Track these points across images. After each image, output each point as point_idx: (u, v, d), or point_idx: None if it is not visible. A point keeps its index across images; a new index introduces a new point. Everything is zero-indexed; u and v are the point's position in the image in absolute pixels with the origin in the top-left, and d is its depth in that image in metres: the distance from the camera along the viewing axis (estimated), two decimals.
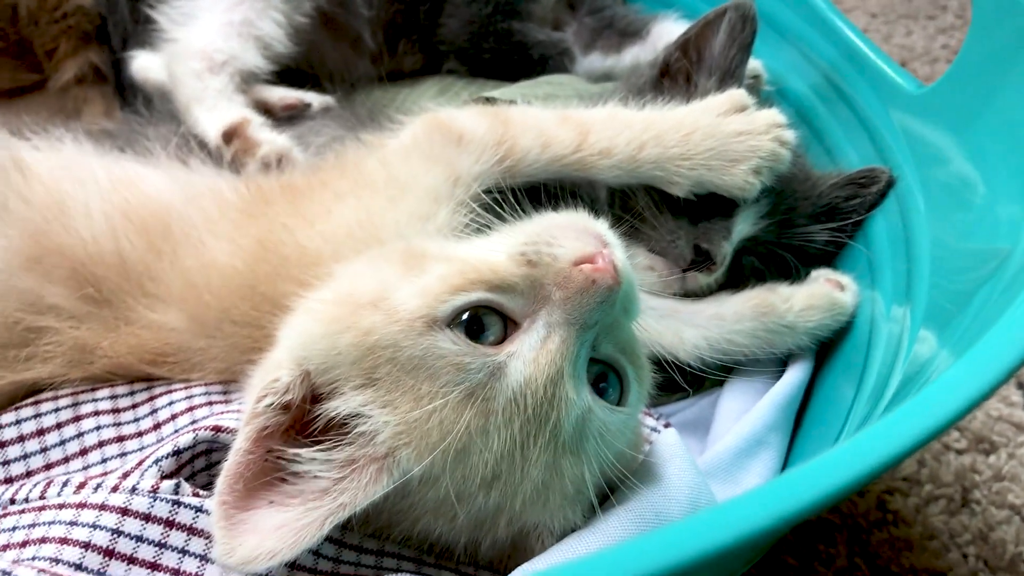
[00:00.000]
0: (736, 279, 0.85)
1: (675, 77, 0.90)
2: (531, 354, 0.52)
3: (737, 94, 0.79)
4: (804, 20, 1.02)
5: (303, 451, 0.51)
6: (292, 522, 0.48)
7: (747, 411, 0.76)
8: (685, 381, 0.82)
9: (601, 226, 0.59)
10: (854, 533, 0.86)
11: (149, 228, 0.67)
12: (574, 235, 0.57)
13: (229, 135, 0.88)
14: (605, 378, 0.57)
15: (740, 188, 0.75)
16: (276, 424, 0.51)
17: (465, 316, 0.53)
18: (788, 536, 0.85)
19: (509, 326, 0.54)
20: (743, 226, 0.82)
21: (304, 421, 0.53)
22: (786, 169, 0.77)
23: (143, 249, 0.66)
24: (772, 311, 0.79)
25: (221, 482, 0.49)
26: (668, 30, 1.11)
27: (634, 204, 0.82)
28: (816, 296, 0.80)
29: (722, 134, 0.76)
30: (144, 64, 1.06)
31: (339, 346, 0.52)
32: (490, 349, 0.52)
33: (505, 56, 1.15)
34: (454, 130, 0.73)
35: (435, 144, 0.73)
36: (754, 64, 0.99)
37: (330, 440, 0.51)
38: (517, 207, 0.64)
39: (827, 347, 0.83)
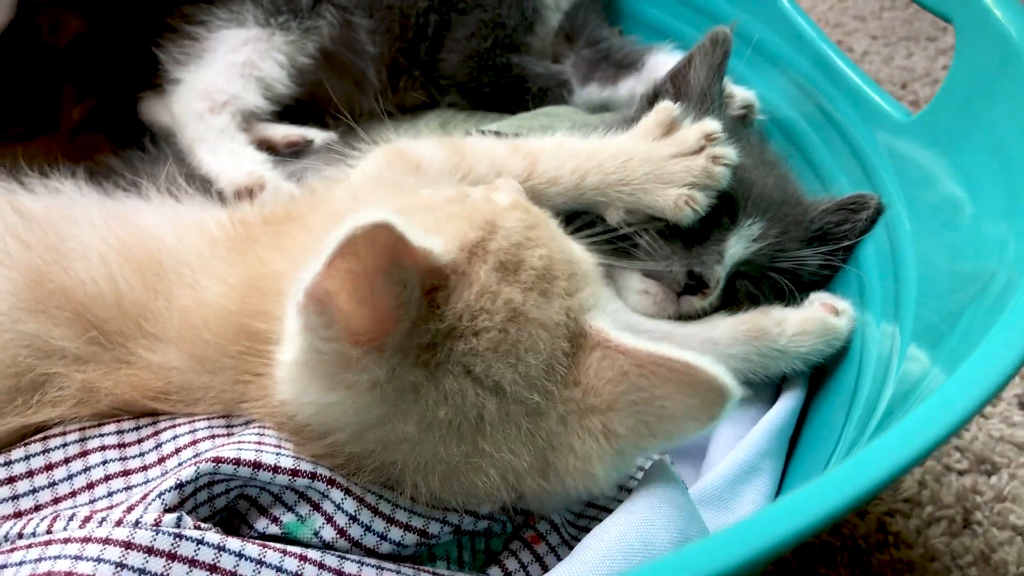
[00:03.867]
0: (730, 303, 0.86)
1: None
2: None
3: (662, 110, 0.83)
4: (796, 50, 1.04)
5: None
6: None
7: (741, 437, 0.77)
8: None
9: None
10: (855, 555, 0.87)
11: (143, 266, 0.68)
12: None
13: (241, 194, 0.91)
14: None
15: (671, 209, 0.79)
16: None
17: None
18: (789, 559, 0.86)
19: None
20: (735, 250, 0.84)
21: None
22: (725, 185, 0.80)
23: (140, 289, 0.67)
24: (765, 335, 0.80)
25: None
26: (662, 61, 1.13)
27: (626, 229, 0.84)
28: (810, 321, 0.81)
29: (657, 158, 0.80)
30: (151, 105, 1.09)
31: None
32: None
33: (504, 89, 1.17)
34: (412, 158, 0.77)
35: (396, 172, 0.76)
36: (747, 94, 1.01)
37: None
38: None
39: (820, 372, 0.84)
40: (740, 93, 1.01)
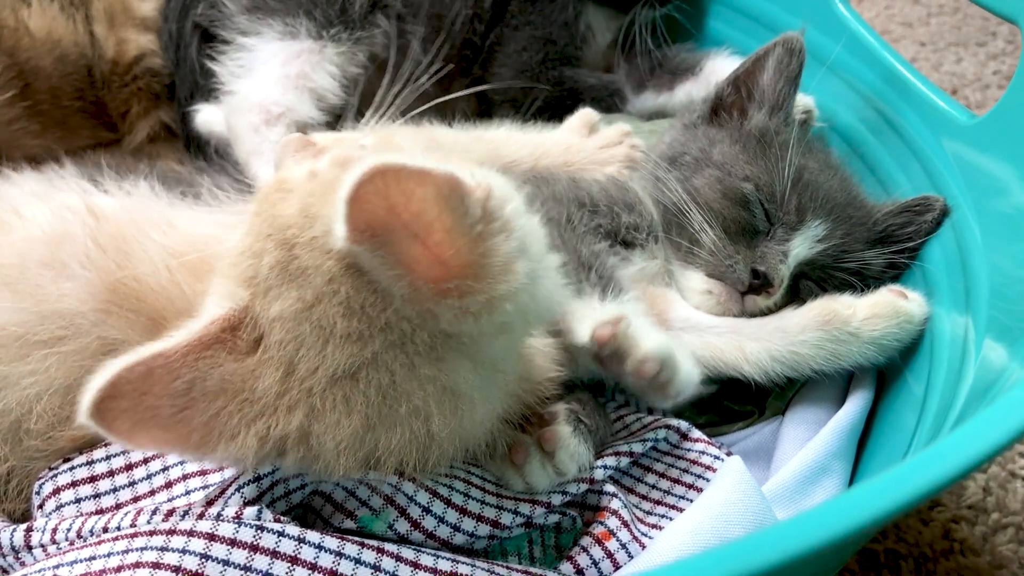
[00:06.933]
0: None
1: (729, 111, 0.94)
2: None
3: (585, 114, 1.03)
4: (853, 55, 1.03)
5: None
6: None
7: (810, 439, 0.76)
8: (748, 402, 0.83)
9: None
10: (921, 563, 0.86)
11: (202, 271, 0.69)
12: None
13: None
14: None
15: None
16: None
17: None
18: (853, 567, 0.85)
19: None
20: (800, 250, 0.84)
21: None
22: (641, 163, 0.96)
23: (203, 294, 0.69)
24: (835, 318, 0.79)
25: None
26: (721, 66, 1.13)
27: (690, 229, 0.85)
28: (880, 304, 0.80)
29: (590, 148, 0.99)
30: (208, 117, 1.11)
31: None
32: None
33: (557, 101, 1.18)
34: (395, 144, 0.80)
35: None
36: (806, 100, 1.01)
37: None
38: None
39: (888, 373, 0.83)
40: (800, 99, 1.00)
